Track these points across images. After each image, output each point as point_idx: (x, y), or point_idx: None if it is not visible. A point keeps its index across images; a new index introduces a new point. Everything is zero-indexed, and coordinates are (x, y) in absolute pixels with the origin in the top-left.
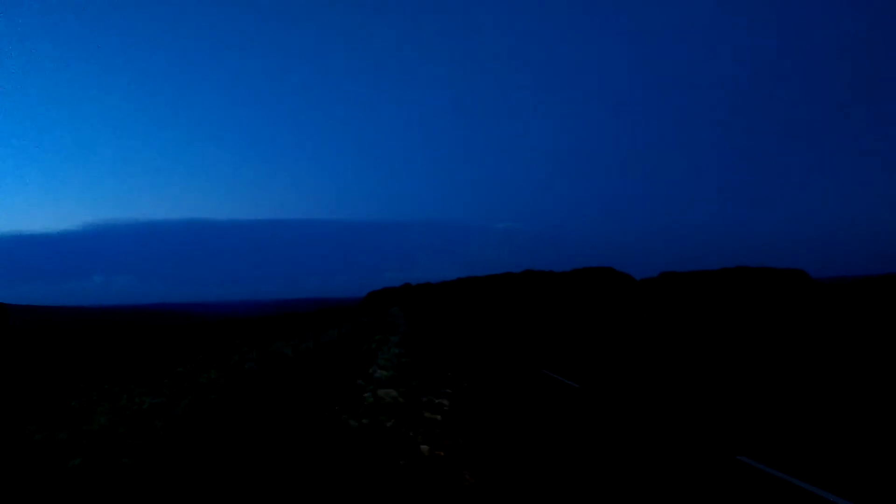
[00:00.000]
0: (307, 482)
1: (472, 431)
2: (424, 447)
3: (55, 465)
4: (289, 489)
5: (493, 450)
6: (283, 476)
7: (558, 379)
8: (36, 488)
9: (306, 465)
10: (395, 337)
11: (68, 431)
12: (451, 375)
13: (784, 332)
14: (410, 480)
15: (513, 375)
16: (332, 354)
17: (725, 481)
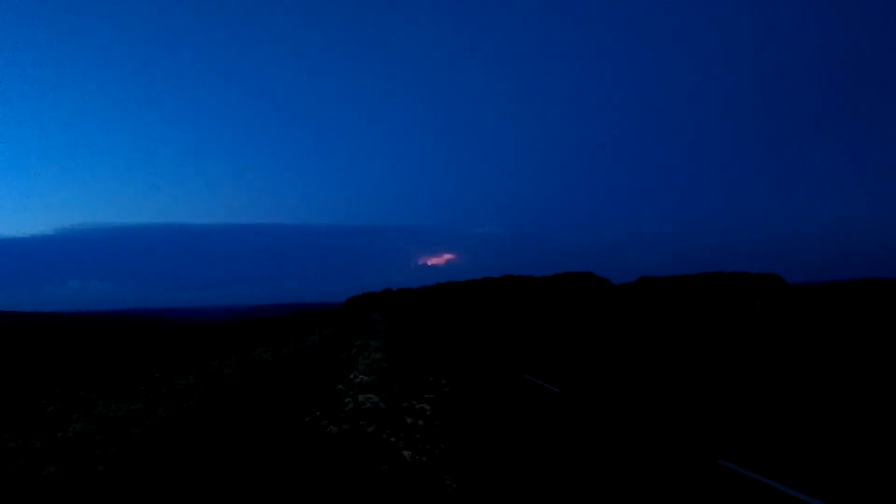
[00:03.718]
0: (287, 491)
1: (454, 437)
2: (406, 452)
3: (30, 473)
4: (268, 498)
5: (475, 455)
6: (263, 484)
7: (539, 383)
8: (10, 497)
9: (286, 473)
10: (375, 342)
11: (43, 438)
12: (432, 381)
13: (760, 337)
14: (393, 486)
15: (494, 380)
16: (312, 360)
17: (707, 485)
